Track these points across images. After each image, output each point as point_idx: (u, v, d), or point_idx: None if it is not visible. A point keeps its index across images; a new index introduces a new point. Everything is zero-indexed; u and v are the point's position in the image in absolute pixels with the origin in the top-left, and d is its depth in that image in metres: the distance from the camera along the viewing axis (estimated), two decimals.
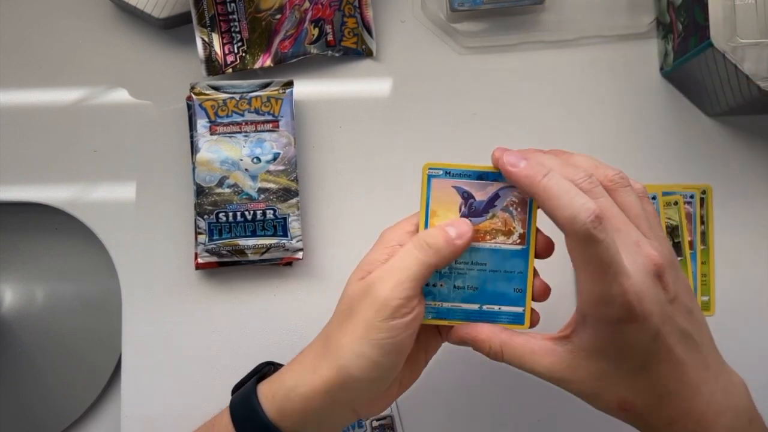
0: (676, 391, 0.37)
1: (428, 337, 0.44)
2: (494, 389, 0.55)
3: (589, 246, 0.34)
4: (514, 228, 0.41)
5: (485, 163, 0.40)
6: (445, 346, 0.46)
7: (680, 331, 0.37)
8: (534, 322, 0.42)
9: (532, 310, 0.42)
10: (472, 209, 0.41)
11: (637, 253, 0.36)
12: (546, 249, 0.41)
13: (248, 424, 0.41)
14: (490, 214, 0.41)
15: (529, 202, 0.40)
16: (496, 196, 0.40)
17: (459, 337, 0.41)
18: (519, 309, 0.41)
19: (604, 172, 0.38)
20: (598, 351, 0.37)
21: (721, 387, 0.38)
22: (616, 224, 0.37)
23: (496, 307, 0.41)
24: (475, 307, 0.41)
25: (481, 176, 0.40)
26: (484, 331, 0.40)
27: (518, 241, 0.41)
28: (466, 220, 0.40)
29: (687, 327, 0.37)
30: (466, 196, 0.41)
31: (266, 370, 0.45)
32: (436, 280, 0.41)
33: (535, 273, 0.42)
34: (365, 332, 0.38)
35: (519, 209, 0.40)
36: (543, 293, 0.42)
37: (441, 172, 0.40)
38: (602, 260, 0.34)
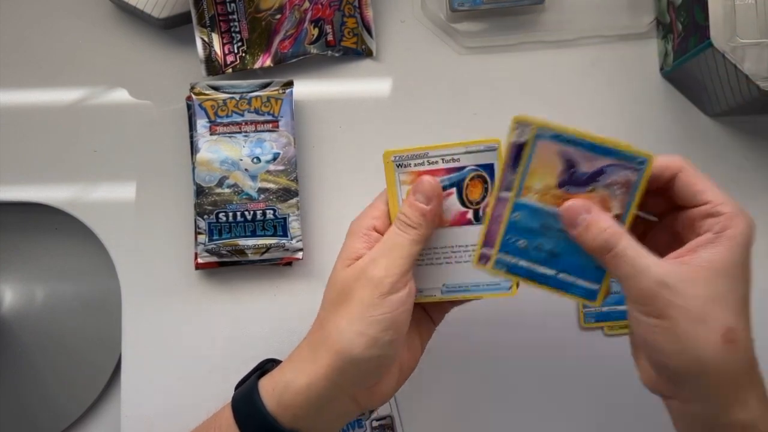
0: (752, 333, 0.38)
1: (420, 322, 0.45)
2: (494, 389, 0.55)
3: (700, 172, 0.39)
4: (611, 207, 0.39)
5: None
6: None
7: None
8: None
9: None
10: (573, 178, 0.39)
11: None
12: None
13: (249, 419, 0.42)
14: (590, 188, 0.39)
15: (634, 186, 0.39)
16: (600, 171, 0.39)
17: (576, 212, 0.39)
18: (594, 285, 0.40)
19: None
20: (722, 269, 0.36)
21: None
22: None
23: (571, 278, 0.40)
24: (551, 272, 0.41)
25: (593, 147, 0.39)
26: (605, 215, 0.39)
27: None
28: (428, 176, 0.41)
29: None
30: (569, 165, 0.39)
31: (268, 366, 0.46)
32: (519, 236, 0.40)
33: None
34: (363, 311, 0.39)
35: (622, 190, 0.39)
36: None
37: (549, 134, 0.39)
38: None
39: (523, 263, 0.41)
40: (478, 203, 0.41)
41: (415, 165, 0.42)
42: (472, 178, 0.41)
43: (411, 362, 0.44)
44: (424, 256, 0.42)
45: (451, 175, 0.41)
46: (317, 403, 0.41)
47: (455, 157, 0.41)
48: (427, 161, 0.41)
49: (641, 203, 0.39)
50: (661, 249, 0.39)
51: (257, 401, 0.42)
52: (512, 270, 0.41)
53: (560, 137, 0.39)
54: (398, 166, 0.42)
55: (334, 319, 0.41)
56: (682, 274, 0.36)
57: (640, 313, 0.37)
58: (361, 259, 0.41)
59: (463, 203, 0.42)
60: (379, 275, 0.39)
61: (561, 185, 0.39)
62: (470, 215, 0.42)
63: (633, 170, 0.38)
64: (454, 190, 0.42)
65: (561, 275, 0.40)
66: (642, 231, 0.43)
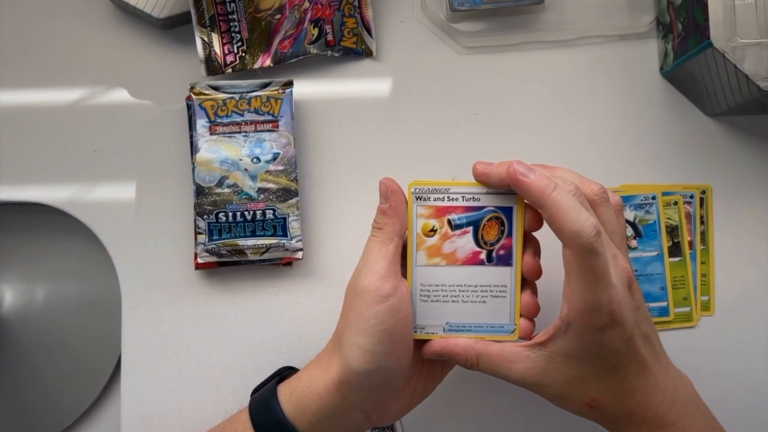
0: (638, 387, 0.40)
1: None
2: (494, 389, 0.55)
3: (589, 258, 0.37)
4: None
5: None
6: None
7: (644, 335, 0.40)
8: (523, 334, 0.43)
9: (523, 320, 0.43)
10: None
11: (615, 265, 0.39)
12: (534, 223, 0.43)
13: (266, 423, 0.42)
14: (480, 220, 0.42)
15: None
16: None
17: (434, 352, 0.42)
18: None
19: (588, 186, 0.41)
20: (575, 356, 0.39)
21: (671, 380, 0.42)
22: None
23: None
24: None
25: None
26: (460, 344, 0.42)
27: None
28: (388, 178, 0.42)
29: (647, 330, 0.41)
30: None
31: (286, 373, 0.47)
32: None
33: (524, 287, 0.43)
34: (356, 323, 0.40)
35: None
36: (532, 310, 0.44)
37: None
38: (598, 271, 0.37)
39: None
40: (492, 244, 0.42)
41: (435, 199, 0.42)
42: (489, 219, 0.42)
43: (426, 387, 0.44)
44: (431, 293, 0.43)
45: (470, 214, 0.42)
46: (329, 413, 0.41)
47: (476, 196, 0.42)
48: (447, 197, 0.42)
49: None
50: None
51: (275, 405, 0.42)
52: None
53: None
54: (417, 198, 0.42)
55: (342, 332, 0.41)
56: (537, 370, 0.40)
57: None
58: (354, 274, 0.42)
59: (477, 243, 0.42)
60: (363, 285, 0.40)
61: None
62: (483, 255, 0.42)
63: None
64: (470, 229, 0.42)
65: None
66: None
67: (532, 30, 0.57)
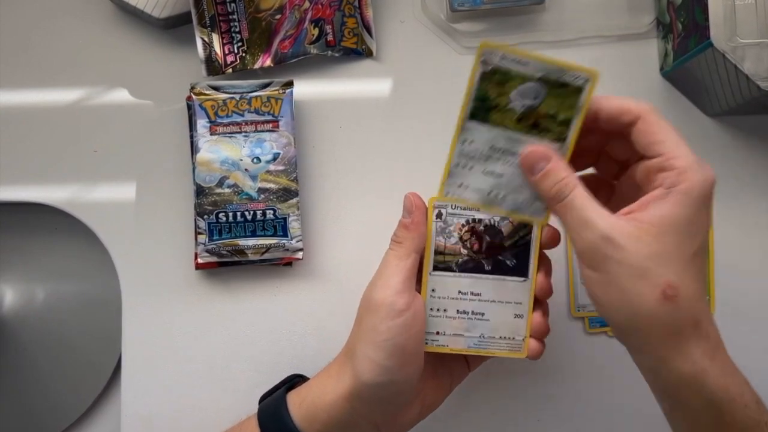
0: (703, 289, 0.37)
1: (454, 365, 0.45)
2: (494, 389, 0.55)
3: (664, 122, 0.37)
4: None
5: None
6: None
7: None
8: (532, 353, 0.43)
9: (533, 340, 0.43)
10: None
11: None
12: (552, 240, 0.42)
13: (275, 431, 0.42)
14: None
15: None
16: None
17: (535, 160, 0.39)
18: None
19: None
20: (669, 224, 0.35)
21: None
22: None
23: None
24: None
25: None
26: (563, 165, 0.39)
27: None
28: (413, 193, 0.42)
29: None
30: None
31: (296, 381, 0.47)
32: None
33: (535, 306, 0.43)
34: (369, 336, 0.40)
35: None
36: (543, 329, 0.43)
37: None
38: (681, 138, 0.37)
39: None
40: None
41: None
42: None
43: (436, 399, 0.44)
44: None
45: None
46: (339, 424, 0.41)
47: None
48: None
49: (586, 128, 0.40)
50: (626, 198, 0.39)
51: (284, 414, 0.42)
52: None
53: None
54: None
55: (354, 343, 0.41)
56: (627, 230, 0.35)
57: (583, 265, 0.37)
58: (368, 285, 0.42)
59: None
60: (377, 298, 0.40)
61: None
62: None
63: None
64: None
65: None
66: (614, 176, 0.43)
67: (532, 30, 0.57)
